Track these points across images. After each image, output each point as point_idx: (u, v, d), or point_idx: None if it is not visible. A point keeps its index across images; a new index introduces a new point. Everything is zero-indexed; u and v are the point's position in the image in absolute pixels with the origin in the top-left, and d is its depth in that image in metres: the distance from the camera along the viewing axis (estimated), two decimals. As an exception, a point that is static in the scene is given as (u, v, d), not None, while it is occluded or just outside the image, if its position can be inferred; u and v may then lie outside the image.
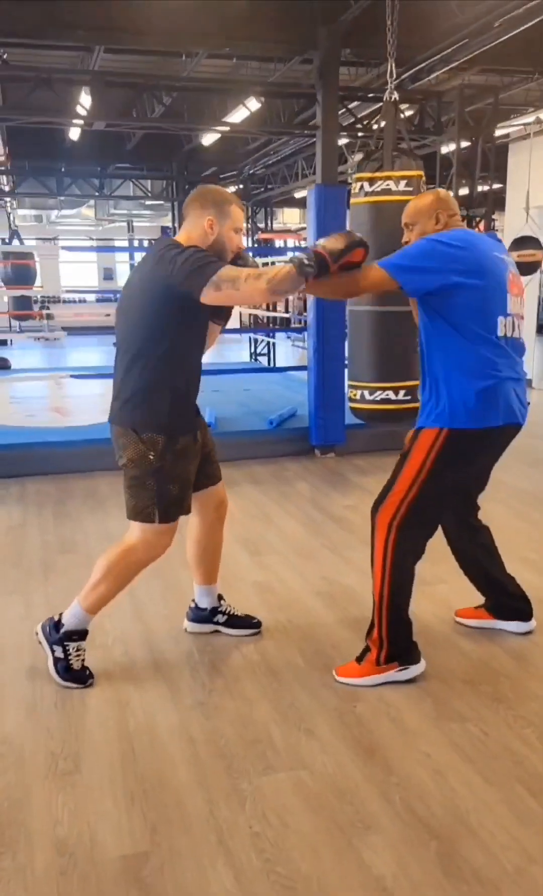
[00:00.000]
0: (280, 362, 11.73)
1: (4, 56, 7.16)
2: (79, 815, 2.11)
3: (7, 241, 15.62)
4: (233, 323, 15.63)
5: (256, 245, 12.97)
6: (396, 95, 4.88)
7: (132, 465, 2.67)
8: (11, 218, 16.19)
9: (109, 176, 14.42)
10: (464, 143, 8.48)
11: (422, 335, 2.70)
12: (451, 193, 2.90)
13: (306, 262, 2.40)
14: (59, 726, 2.53)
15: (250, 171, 13.08)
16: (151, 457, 2.64)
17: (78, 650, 2.80)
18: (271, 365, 11.24)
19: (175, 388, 2.68)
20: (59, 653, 2.78)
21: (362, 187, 4.69)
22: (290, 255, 2.55)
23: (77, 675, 2.77)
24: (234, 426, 6.60)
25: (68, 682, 2.76)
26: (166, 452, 2.66)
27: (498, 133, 9.60)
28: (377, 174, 4.66)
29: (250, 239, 13.15)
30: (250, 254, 2.85)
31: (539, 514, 4.82)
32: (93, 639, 2.97)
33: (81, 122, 8.03)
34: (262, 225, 14.46)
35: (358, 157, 8.46)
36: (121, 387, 2.69)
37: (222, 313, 2.83)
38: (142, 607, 3.43)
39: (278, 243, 12.57)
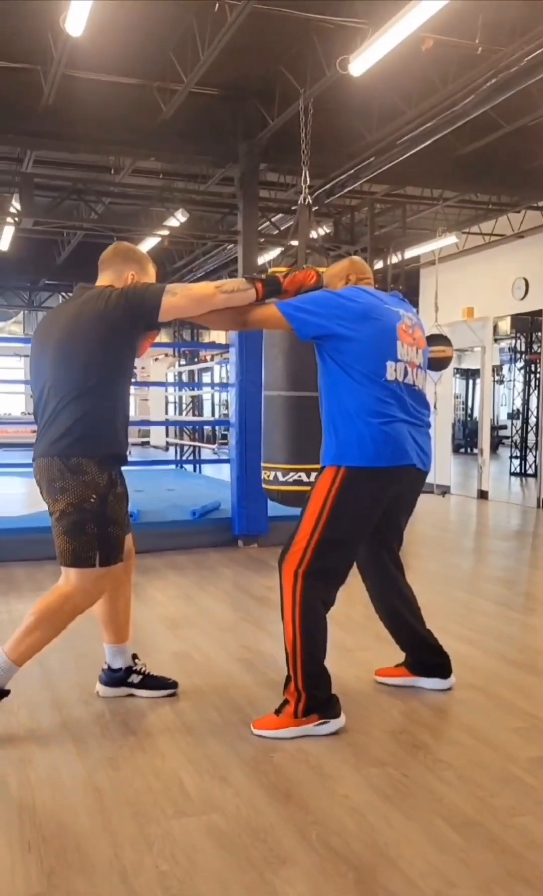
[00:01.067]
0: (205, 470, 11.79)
1: None
2: (-32, 865, 1.93)
3: None
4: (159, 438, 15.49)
5: (182, 358, 13.30)
6: (309, 199, 5.26)
7: (73, 510, 2.61)
8: None
9: (38, 289, 14.78)
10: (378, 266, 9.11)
11: (319, 380, 2.79)
12: (362, 260, 3.10)
13: (256, 273, 2.56)
14: (-47, 783, 2.34)
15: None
16: (94, 499, 2.61)
17: None
18: (196, 469, 11.29)
19: (123, 417, 2.74)
20: None
21: (277, 280, 4.94)
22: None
23: None
24: (156, 518, 6.54)
25: None
26: (109, 494, 2.64)
27: (409, 255, 10.35)
28: (291, 268, 4.93)
29: (176, 352, 13.51)
30: None
31: (455, 592, 4.89)
32: (-4, 702, 2.83)
33: (11, 220, 8.32)
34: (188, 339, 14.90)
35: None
36: (60, 420, 2.62)
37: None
38: (52, 676, 3.26)
39: (203, 353, 12.95)
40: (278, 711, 2.70)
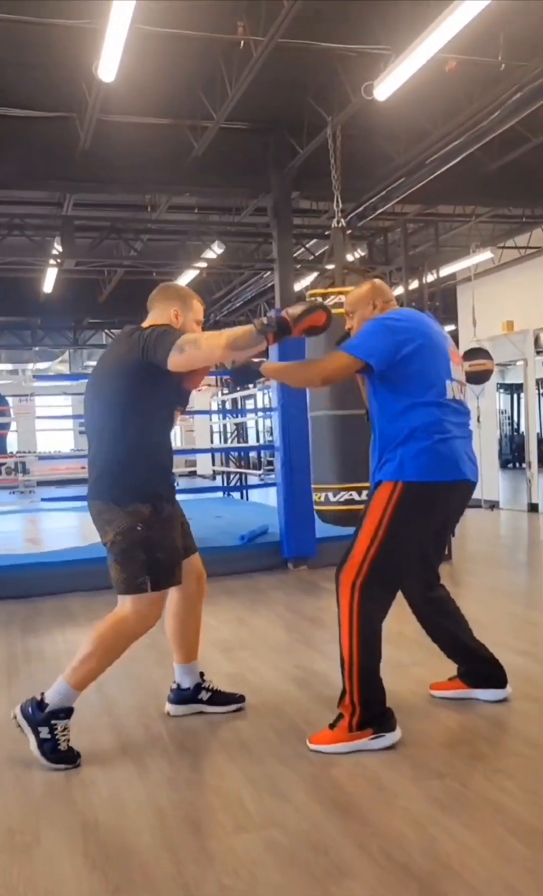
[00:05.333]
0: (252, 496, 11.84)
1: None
2: (36, 882, 1.97)
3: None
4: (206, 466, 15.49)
5: (225, 386, 13.41)
6: (343, 222, 5.35)
7: (121, 539, 2.68)
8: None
9: (83, 328, 15.12)
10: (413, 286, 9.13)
11: (375, 402, 2.83)
12: (383, 283, 3.13)
13: (265, 321, 2.56)
14: (17, 805, 2.39)
15: (215, 319, 13.79)
16: (139, 528, 2.67)
17: (64, 729, 2.67)
18: (243, 496, 11.33)
19: (152, 458, 2.78)
20: (44, 734, 2.64)
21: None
22: (253, 320, 2.70)
23: (65, 756, 2.64)
24: (206, 543, 6.52)
25: (56, 764, 2.61)
26: (154, 521, 2.70)
27: (445, 273, 10.36)
28: (330, 290, 5.00)
29: (218, 380, 13.62)
30: None
31: (508, 607, 4.84)
32: (57, 728, 2.88)
33: (53, 261, 8.59)
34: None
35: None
36: (97, 462, 2.76)
37: (183, 399, 2.97)
38: (111, 702, 3.30)
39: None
40: (332, 725, 2.71)
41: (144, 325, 2.84)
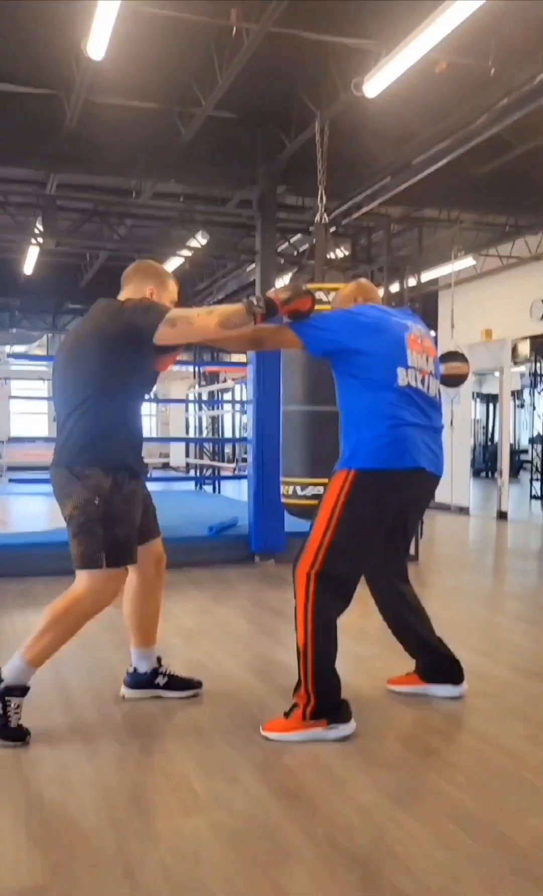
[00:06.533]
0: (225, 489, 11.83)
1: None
2: (-25, 857, 1.94)
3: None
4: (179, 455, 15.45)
5: (203, 381, 13.38)
6: (326, 218, 5.34)
7: (79, 512, 2.65)
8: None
9: (62, 312, 15.00)
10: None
11: (337, 391, 2.84)
12: (369, 282, 3.21)
13: (255, 302, 2.60)
14: (-37, 781, 2.36)
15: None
16: (97, 501, 2.64)
17: (17, 707, 2.63)
18: (215, 489, 11.32)
19: (127, 431, 2.76)
20: None
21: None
22: (244, 299, 2.75)
23: (14, 734, 2.60)
24: (174, 533, 6.51)
25: (4, 740, 2.58)
26: (114, 496, 2.66)
27: (427, 278, 10.40)
28: (309, 286, 4.99)
29: (196, 370, 13.59)
30: None
31: (471, 608, 4.87)
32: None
33: (34, 241, 8.50)
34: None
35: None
36: (65, 431, 2.71)
37: (151, 380, 2.95)
38: (66, 682, 3.27)
39: (223, 377, 13.04)
40: (287, 714, 2.70)
41: (120, 298, 2.82)
